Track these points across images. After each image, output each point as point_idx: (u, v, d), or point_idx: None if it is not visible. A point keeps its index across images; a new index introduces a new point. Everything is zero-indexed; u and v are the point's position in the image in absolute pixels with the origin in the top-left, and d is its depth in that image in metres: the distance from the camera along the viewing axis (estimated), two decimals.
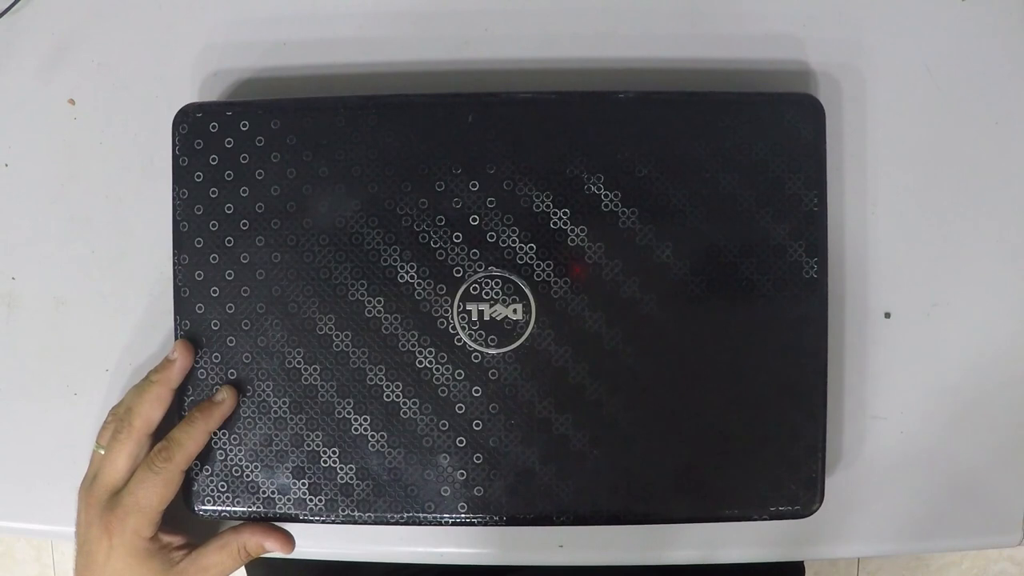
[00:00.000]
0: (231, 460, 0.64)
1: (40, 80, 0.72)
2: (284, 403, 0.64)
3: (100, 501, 0.63)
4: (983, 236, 0.68)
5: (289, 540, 0.67)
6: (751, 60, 0.68)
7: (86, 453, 0.71)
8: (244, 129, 0.63)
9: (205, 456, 0.64)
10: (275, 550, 0.67)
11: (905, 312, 0.69)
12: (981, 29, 0.68)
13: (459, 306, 0.62)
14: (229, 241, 0.64)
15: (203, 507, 0.65)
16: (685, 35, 0.68)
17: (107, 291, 0.72)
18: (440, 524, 0.64)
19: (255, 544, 0.66)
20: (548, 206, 0.62)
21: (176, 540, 0.66)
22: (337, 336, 0.63)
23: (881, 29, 0.68)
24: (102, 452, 0.65)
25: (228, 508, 0.65)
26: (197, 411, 0.64)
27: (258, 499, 0.64)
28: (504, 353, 0.62)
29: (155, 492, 0.62)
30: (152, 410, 0.64)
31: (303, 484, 0.64)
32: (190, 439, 0.63)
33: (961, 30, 0.68)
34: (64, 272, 0.72)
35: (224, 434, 0.64)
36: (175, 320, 0.64)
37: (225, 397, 0.64)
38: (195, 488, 0.65)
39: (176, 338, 0.64)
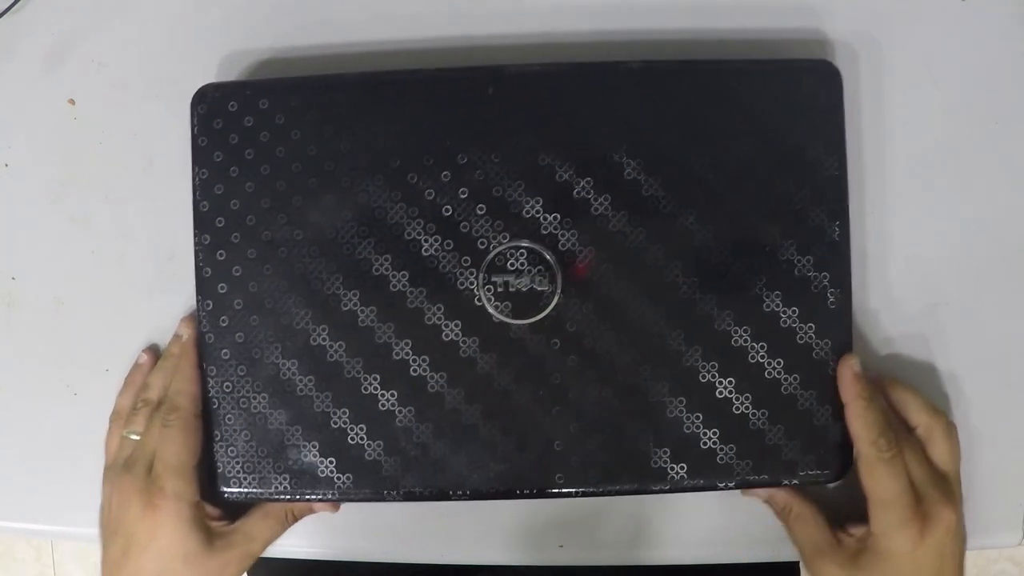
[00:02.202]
0: (256, 440, 0.64)
1: (40, 80, 0.72)
2: (309, 381, 0.63)
3: (138, 480, 0.62)
4: (983, 236, 0.69)
5: (335, 505, 0.68)
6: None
7: (86, 453, 0.71)
8: (263, 108, 0.63)
9: (230, 436, 0.64)
10: (323, 510, 0.67)
11: (904, 312, 0.69)
12: (981, 29, 0.69)
13: (484, 278, 0.62)
14: (250, 220, 0.63)
15: (229, 489, 0.64)
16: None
17: (107, 291, 0.71)
18: (468, 498, 0.63)
19: (302, 506, 0.66)
20: (571, 176, 0.62)
21: (217, 511, 0.65)
22: (362, 312, 0.63)
23: (881, 29, 0.69)
24: (135, 438, 0.64)
25: (255, 490, 0.64)
26: (174, 357, 0.66)
27: (285, 479, 0.63)
28: (530, 324, 0.62)
29: (180, 445, 0.62)
30: (194, 387, 0.65)
31: (330, 462, 0.63)
32: (185, 380, 0.64)
33: (961, 30, 0.69)
34: (64, 272, 0.72)
35: (248, 414, 0.64)
36: (197, 300, 0.64)
37: (186, 330, 0.66)
38: (221, 470, 0.64)
39: (199, 320, 0.64)
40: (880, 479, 0.61)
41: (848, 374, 0.62)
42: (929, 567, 0.60)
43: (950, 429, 0.63)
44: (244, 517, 0.65)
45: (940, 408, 0.64)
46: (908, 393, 0.65)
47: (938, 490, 0.61)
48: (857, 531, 0.64)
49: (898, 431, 0.62)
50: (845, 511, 0.66)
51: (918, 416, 0.64)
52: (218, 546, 0.63)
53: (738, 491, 0.67)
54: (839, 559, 0.63)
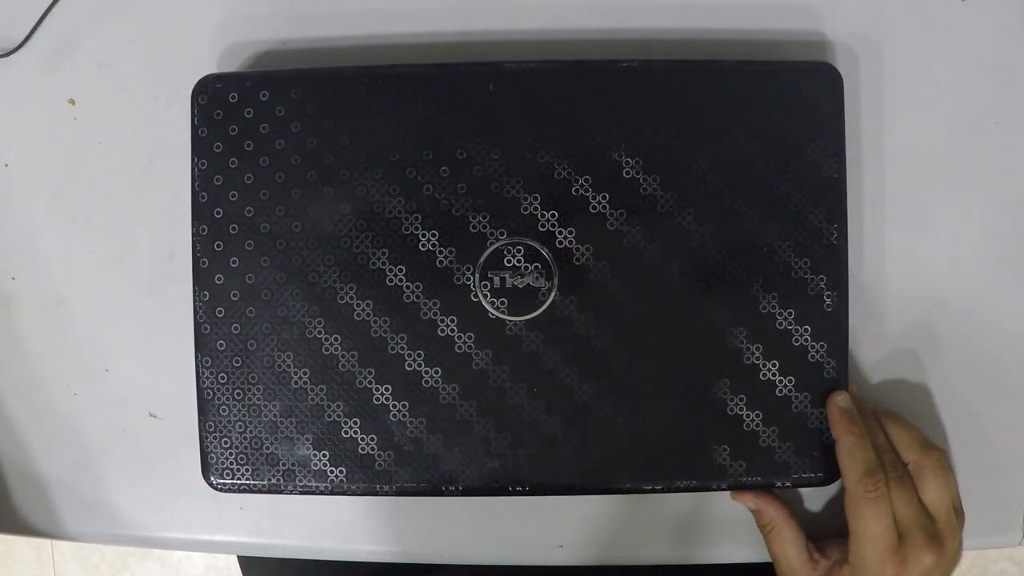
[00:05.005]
0: (250, 432, 0.63)
1: (40, 80, 0.72)
2: (304, 373, 0.63)
3: None
4: (983, 237, 0.69)
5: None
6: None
7: (86, 453, 0.71)
8: (264, 99, 0.63)
9: (223, 427, 0.64)
10: None
11: (903, 313, 0.69)
12: (981, 29, 0.69)
13: (481, 274, 0.62)
14: (249, 211, 0.63)
15: (221, 480, 0.64)
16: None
17: (107, 291, 0.71)
18: (462, 494, 0.63)
19: None
20: (570, 173, 0.62)
21: None
22: (358, 305, 0.63)
23: (881, 31, 0.69)
24: None
25: (247, 482, 0.64)
26: None
27: (278, 471, 0.63)
28: (526, 320, 0.62)
29: None
30: None
31: (324, 455, 0.63)
32: None
33: (961, 30, 0.69)
34: (64, 272, 0.72)
35: (242, 406, 0.63)
36: (193, 291, 0.64)
37: None
38: (212, 461, 0.64)
39: (195, 311, 0.64)
40: (861, 517, 0.61)
41: (835, 411, 0.62)
42: None
43: (940, 465, 0.63)
44: None
45: (932, 443, 0.64)
46: (900, 429, 0.64)
47: (922, 532, 0.61)
48: (833, 554, 0.65)
49: (891, 467, 0.62)
50: (827, 518, 0.67)
51: (908, 453, 0.63)
52: None
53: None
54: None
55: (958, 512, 0.63)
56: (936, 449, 0.63)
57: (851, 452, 0.61)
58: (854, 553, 0.61)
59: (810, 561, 0.65)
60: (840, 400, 0.62)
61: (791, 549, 0.65)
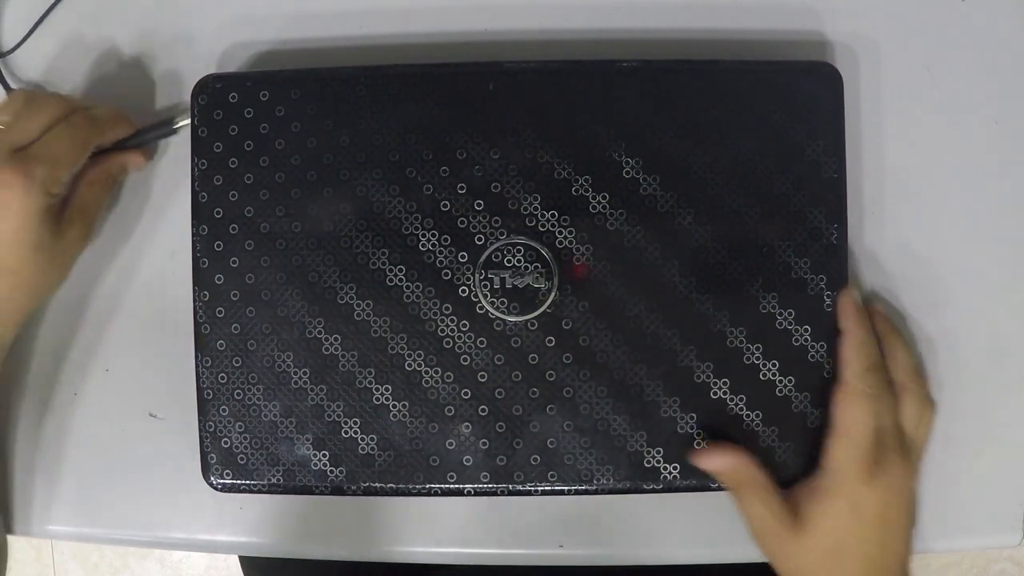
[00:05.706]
0: (250, 432, 0.64)
1: (39, 80, 0.72)
2: (304, 373, 0.63)
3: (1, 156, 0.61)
4: (983, 237, 0.69)
5: (145, 152, 0.69)
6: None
7: (86, 453, 0.71)
8: (264, 99, 0.63)
9: (223, 427, 0.64)
10: (136, 166, 0.69)
11: (905, 312, 0.69)
12: (981, 29, 0.69)
13: (481, 274, 0.62)
14: (249, 211, 0.63)
15: (221, 480, 0.64)
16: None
17: (107, 291, 0.71)
18: (462, 495, 0.63)
19: (117, 166, 0.69)
20: (570, 173, 0.62)
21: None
22: (358, 305, 0.63)
23: (881, 30, 0.69)
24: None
25: (246, 481, 0.64)
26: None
27: (278, 471, 0.63)
28: (526, 321, 0.62)
29: (72, 146, 0.62)
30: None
31: (324, 455, 0.63)
32: (109, 114, 0.66)
33: (961, 30, 0.69)
34: None
35: (242, 406, 0.63)
36: (193, 291, 0.64)
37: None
38: (212, 461, 0.64)
39: (195, 311, 0.64)
40: (855, 412, 0.60)
41: (848, 303, 0.62)
42: (872, 516, 0.60)
43: (925, 399, 0.63)
44: (72, 195, 0.66)
45: (923, 377, 0.64)
46: (902, 349, 0.64)
47: (896, 440, 0.61)
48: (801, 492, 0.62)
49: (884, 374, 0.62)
50: None
51: (897, 373, 0.63)
52: (62, 231, 0.64)
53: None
54: (786, 525, 0.61)
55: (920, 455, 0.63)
56: (924, 383, 0.64)
57: (860, 345, 0.61)
58: (832, 455, 0.60)
59: (786, 505, 0.61)
60: (855, 294, 0.63)
61: (772, 499, 0.61)
